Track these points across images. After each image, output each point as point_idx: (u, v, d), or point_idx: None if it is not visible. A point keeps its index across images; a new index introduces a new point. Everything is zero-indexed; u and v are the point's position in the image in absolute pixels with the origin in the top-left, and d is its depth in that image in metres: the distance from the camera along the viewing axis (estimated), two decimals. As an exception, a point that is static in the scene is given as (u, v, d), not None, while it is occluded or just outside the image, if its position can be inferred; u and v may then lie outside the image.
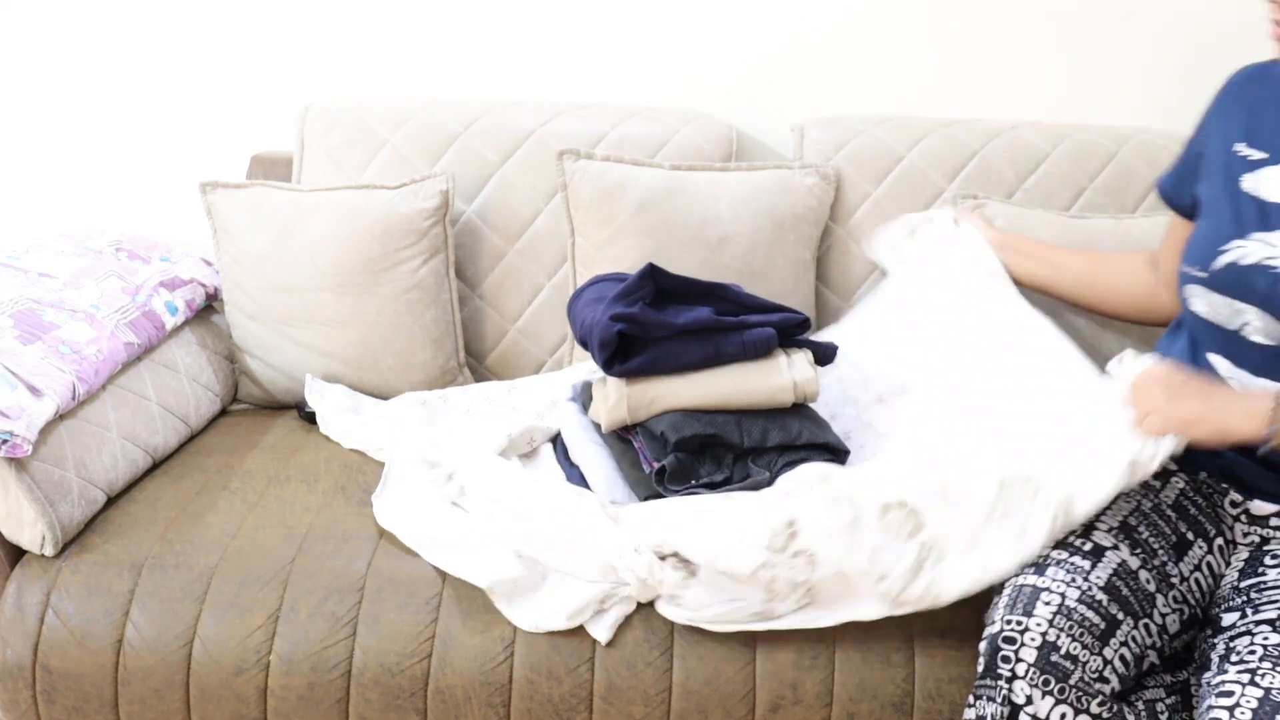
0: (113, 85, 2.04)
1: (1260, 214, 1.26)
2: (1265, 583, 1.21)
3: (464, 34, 1.98)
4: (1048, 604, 1.13)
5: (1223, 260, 1.26)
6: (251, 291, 1.74)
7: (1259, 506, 1.26)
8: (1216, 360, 1.28)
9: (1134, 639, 1.15)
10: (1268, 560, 1.24)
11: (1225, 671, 1.11)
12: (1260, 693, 1.07)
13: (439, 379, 1.76)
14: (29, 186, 2.11)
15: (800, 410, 1.38)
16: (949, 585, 1.21)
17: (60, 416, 1.41)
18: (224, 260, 1.76)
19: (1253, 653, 1.12)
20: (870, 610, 1.25)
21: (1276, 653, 1.11)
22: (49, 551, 1.36)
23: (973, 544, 1.22)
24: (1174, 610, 1.20)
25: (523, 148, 1.83)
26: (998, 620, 1.14)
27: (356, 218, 1.69)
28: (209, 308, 1.83)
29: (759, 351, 1.37)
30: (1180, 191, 1.42)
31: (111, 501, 1.47)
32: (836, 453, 1.36)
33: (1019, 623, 1.12)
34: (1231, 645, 1.15)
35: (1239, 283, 1.25)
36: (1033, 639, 1.11)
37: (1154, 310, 1.53)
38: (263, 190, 1.75)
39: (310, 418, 1.69)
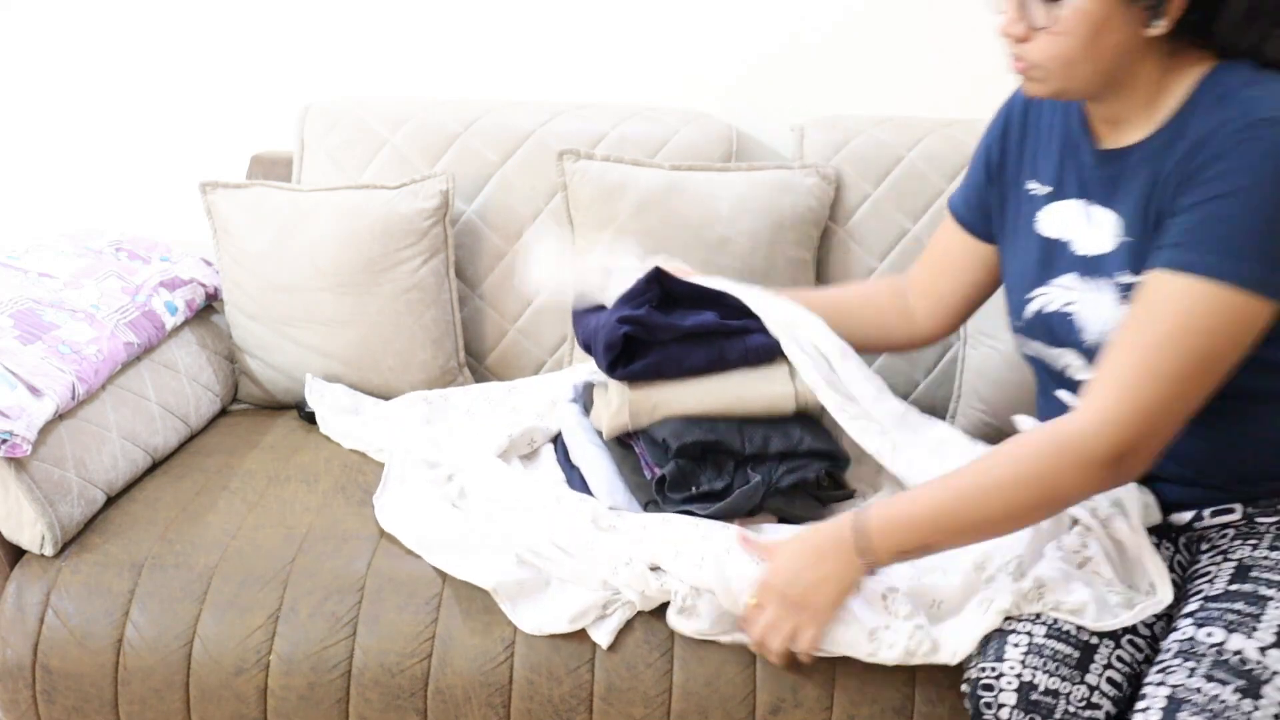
0: (113, 85, 2.04)
1: (1058, 256, 1.22)
2: (1196, 571, 1.19)
3: (464, 34, 1.97)
4: (1016, 645, 1.12)
5: (1030, 309, 1.25)
6: (251, 291, 1.74)
7: (1178, 518, 1.23)
8: (1064, 396, 1.25)
9: (1119, 658, 1.13)
10: (1202, 546, 1.22)
11: (1145, 674, 1.09)
12: (1168, 691, 1.04)
13: (439, 379, 1.76)
14: (29, 186, 2.11)
15: (802, 418, 1.37)
16: (945, 646, 1.19)
17: (60, 416, 1.41)
18: (224, 260, 1.76)
19: (1168, 650, 1.09)
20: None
21: (1189, 647, 1.07)
22: (49, 551, 1.36)
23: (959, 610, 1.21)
24: (1159, 617, 1.18)
25: (523, 148, 1.83)
26: (972, 669, 1.13)
27: (356, 218, 1.69)
28: (209, 308, 1.83)
29: (761, 358, 1.36)
30: (988, 223, 1.35)
31: (111, 501, 1.47)
32: (837, 460, 1.36)
33: (993, 668, 1.11)
34: (1158, 644, 1.13)
35: (1046, 330, 1.23)
36: (1009, 682, 1.10)
37: (911, 335, 1.45)
38: (263, 190, 1.75)
39: (310, 418, 1.69)
